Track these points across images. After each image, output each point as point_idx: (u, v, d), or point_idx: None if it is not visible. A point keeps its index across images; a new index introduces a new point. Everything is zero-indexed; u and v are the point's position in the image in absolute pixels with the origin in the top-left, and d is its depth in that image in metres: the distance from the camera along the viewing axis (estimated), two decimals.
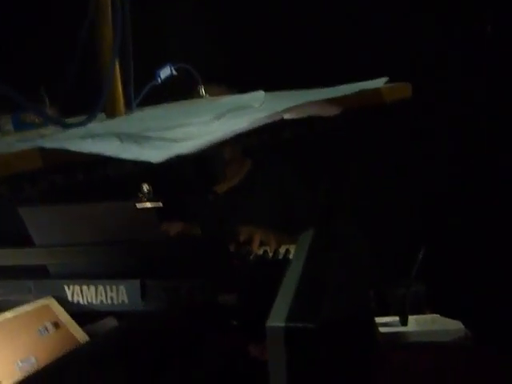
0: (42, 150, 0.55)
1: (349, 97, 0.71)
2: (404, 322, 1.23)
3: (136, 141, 0.52)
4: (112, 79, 0.88)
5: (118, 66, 0.93)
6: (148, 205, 1.29)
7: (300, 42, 2.04)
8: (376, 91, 0.76)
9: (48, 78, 0.88)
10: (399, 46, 1.98)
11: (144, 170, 0.57)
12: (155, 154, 0.48)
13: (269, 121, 0.58)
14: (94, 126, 0.65)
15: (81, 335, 1.13)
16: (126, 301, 1.30)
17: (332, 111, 0.68)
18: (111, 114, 0.93)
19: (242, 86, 1.05)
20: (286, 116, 0.62)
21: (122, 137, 0.54)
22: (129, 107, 1.07)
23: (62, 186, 0.59)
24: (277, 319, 0.47)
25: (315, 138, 1.89)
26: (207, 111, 0.62)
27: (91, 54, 0.91)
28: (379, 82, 0.76)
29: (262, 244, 1.64)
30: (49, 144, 0.54)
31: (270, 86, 0.90)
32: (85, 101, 0.87)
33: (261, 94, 0.75)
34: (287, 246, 1.58)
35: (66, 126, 0.70)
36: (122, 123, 0.70)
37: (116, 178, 1.48)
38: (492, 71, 1.95)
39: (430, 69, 1.93)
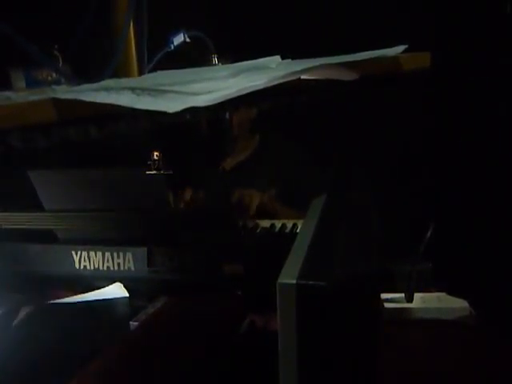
0: (56, 100, 0.54)
1: (367, 62, 0.69)
2: (409, 299, 1.22)
3: (150, 94, 0.51)
4: (125, 41, 0.87)
5: (132, 28, 0.92)
6: (157, 173, 1.29)
7: (316, 10, 1.99)
8: (394, 59, 0.74)
9: (61, 37, 0.86)
10: (420, 14, 1.92)
11: (156, 127, 0.56)
12: (171, 104, 0.47)
13: (286, 79, 0.57)
14: (108, 82, 0.64)
15: None
16: (133, 268, 1.30)
17: (350, 75, 0.66)
18: (124, 76, 0.93)
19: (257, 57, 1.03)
20: (304, 76, 0.61)
21: (137, 90, 0.53)
22: (141, 72, 1.06)
23: (75, 141, 0.58)
24: (288, 276, 0.46)
25: (325, 112, 1.87)
26: (222, 70, 0.61)
27: (106, 15, 0.90)
28: (397, 50, 0.75)
29: (262, 207, 1.64)
30: (62, 95, 0.53)
31: (286, 57, 0.88)
32: (98, 62, 0.86)
33: (277, 57, 0.74)
34: (295, 221, 1.56)
35: (79, 82, 0.69)
36: (136, 80, 0.68)
37: (127, 144, 1.48)
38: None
39: (450, 41, 1.88)
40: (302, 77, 0.61)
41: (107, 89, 0.55)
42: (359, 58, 0.68)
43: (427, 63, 0.79)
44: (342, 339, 0.51)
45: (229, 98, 0.49)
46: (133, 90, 0.53)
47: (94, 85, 0.58)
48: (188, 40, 1.31)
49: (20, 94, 0.66)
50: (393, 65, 0.74)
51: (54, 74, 0.81)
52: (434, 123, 2.03)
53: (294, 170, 1.90)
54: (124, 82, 0.64)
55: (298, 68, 0.59)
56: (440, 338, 1.16)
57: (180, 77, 0.61)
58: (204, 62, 1.35)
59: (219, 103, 0.49)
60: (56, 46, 0.82)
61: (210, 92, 0.49)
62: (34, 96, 0.61)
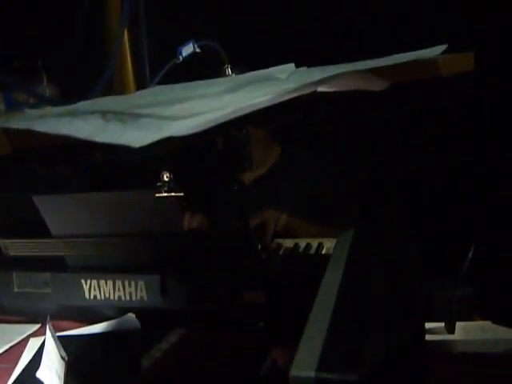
0: (9, 131, 0.42)
1: (398, 67, 0.55)
2: (451, 330, 1.07)
3: (122, 119, 0.39)
4: (118, 53, 0.75)
5: (126, 39, 0.80)
6: (168, 194, 1.17)
7: (339, 11, 1.79)
8: (431, 61, 0.60)
9: (47, 51, 0.75)
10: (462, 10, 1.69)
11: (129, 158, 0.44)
12: (139, 135, 0.34)
13: (298, 94, 0.44)
14: (84, 103, 0.52)
15: None
16: (145, 297, 1.20)
17: (378, 84, 0.53)
18: (120, 93, 0.81)
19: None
20: (321, 88, 0.47)
21: (108, 115, 0.41)
22: (144, 86, 0.94)
23: (39, 173, 0.47)
24: (304, 366, 0.33)
25: (352, 120, 1.69)
26: (221, 84, 0.48)
27: (97, 27, 0.79)
28: (436, 51, 0.60)
29: (279, 229, 1.51)
30: (14, 124, 0.41)
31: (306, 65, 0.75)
32: (88, 78, 0.75)
33: (291, 65, 0.60)
34: (320, 240, 1.44)
35: (55, 104, 0.57)
36: (116, 100, 0.56)
37: (136, 166, 1.36)
38: None
39: (495, 39, 1.65)
40: (319, 89, 0.47)
41: (74, 113, 0.43)
42: (389, 63, 0.55)
43: (471, 65, 0.64)
44: None
45: (218, 122, 0.36)
46: (104, 114, 0.41)
47: (63, 108, 0.47)
48: (198, 50, 1.18)
49: None
50: (430, 69, 0.60)
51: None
52: (473, 136, 1.80)
53: (318, 184, 1.76)
54: (102, 101, 0.52)
55: (314, 78, 0.46)
56: (487, 375, 1.01)
57: (169, 94, 0.49)
58: (216, 73, 1.23)
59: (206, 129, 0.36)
60: (40, 62, 0.71)
61: (193, 115, 0.37)
62: None
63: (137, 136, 0.34)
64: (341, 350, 0.35)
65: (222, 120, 0.37)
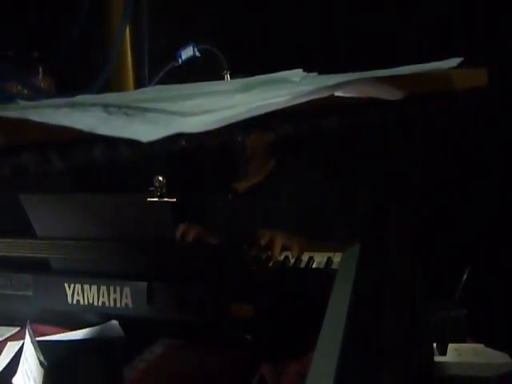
0: (2, 121, 0.38)
1: (412, 77, 0.53)
2: (443, 351, 1.04)
3: (127, 113, 0.35)
4: (120, 50, 0.72)
5: (128, 38, 0.77)
6: (161, 200, 1.13)
7: (347, 18, 1.70)
8: (445, 74, 0.58)
9: (45, 43, 0.71)
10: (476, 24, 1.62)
11: (140, 155, 0.41)
12: (147, 130, 0.31)
13: (316, 96, 0.41)
14: (82, 97, 0.48)
15: None
16: (130, 304, 1.15)
17: (394, 94, 0.50)
18: (118, 91, 0.77)
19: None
20: (338, 93, 0.45)
21: (110, 108, 0.37)
22: (142, 87, 0.91)
23: (29, 170, 0.43)
24: None
25: (350, 132, 1.65)
26: (229, 84, 0.45)
27: (98, 20, 0.75)
28: (451, 63, 0.58)
29: (284, 249, 1.46)
30: (6, 113, 0.37)
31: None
32: (87, 74, 0.71)
33: (299, 71, 0.58)
34: (311, 254, 1.41)
35: (52, 97, 0.54)
36: (117, 95, 0.53)
37: (130, 169, 1.32)
38: None
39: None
40: (336, 93, 0.45)
41: (74, 105, 0.40)
42: (403, 73, 0.52)
43: (484, 81, 0.62)
44: None
45: (233, 121, 0.33)
46: (106, 106, 0.38)
47: (61, 100, 0.43)
48: (198, 54, 1.15)
49: None
50: (443, 81, 0.58)
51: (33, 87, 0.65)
52: (484, 153, 1.73)
53: (312, 196, 1.73)
54: (104, 96, 0.49)
55: (330, 82, 0.43)
56: None
57: (177, 92, 0.46)
58: (215, 79, 1.20)
59: (220, 127, 0.33)
60: (36, 54, 0.67)
61: (206, 112, 0.33)
62: None
63: (144, 130, 0.31)
64: (354, 375, 0.31)
65: (238, 119, 0.34)
